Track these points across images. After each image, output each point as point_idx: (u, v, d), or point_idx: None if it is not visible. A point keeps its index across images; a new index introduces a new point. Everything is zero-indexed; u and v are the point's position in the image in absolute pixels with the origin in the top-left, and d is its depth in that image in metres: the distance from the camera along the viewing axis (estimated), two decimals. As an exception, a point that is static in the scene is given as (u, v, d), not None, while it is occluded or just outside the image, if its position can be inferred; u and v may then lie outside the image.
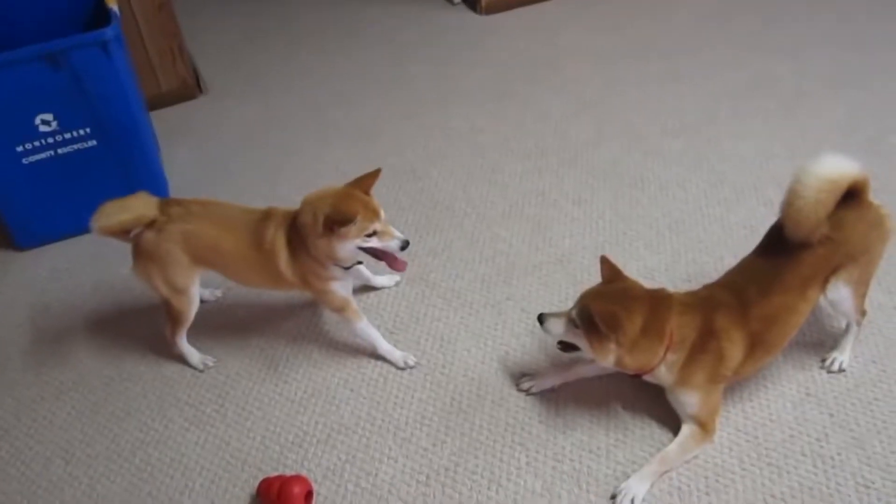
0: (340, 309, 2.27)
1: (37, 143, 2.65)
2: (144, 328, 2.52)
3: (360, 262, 2.29)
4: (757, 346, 2.03)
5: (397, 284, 2.62)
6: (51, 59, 2.49)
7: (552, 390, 2.26)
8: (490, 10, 3.97)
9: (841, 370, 2.23)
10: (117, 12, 2.68)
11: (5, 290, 2.75)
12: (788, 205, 1.93)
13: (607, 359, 1.99)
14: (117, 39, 2.59)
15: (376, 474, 2.10)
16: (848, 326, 2.22)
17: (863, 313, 2.18)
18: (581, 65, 3.59)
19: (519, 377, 2.29)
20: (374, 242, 2.10)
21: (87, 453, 2.21)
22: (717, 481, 2.01)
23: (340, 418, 2.24)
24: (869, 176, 1.99)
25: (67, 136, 2.67)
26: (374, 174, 2.13)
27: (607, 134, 3.20)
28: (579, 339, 2.02)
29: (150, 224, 2.17)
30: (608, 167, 3.03)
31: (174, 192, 2.95)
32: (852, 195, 1.99)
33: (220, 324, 2.54)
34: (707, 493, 1.99)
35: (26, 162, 2.67)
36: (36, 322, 2.61)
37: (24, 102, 2.56)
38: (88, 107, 2.63)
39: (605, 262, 2.06)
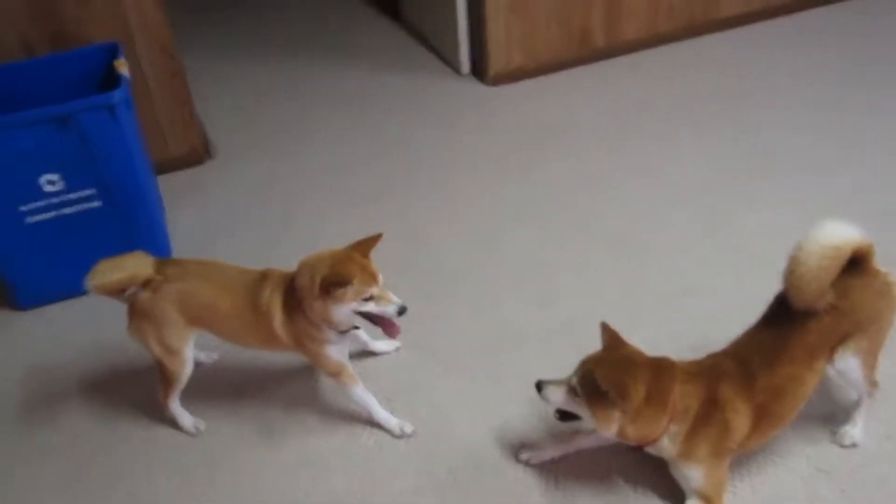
0: (336, 374, 2.22)
1: (41, 204, 2.66)
2: (140, 391, 2.47)
3: (357, 328, 2.25)
4: (763, 418, 1.95)
5: (396, 350, 2.57)
6: (59, 121, 2.53)
7: (552, 461, 2.18)
8: (498, 82, 4.01)
9: (853, 445, 2.15)
10: (128, 77, 2.72)
11: (2, 350, 2.71)
12: (791, 272, 1.89)
13: (610, 428, 1.92)
14: (125, 103, 2.63)
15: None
16: (859, 399, 2.15)
17: (874, 385, 2.11)
18: (587, 136, 3.60)
19: (518, 448, 2.21)
20: (370, 307, 2.07)
21: (71, 519, 2.15)
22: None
23: (332, 488, 2.16)
24: (873, 243, 1.95)
25: (72, 196, 2.68)
26: (375, 238, 2.11)
27: (612, 203, 3.18)
28: (580, 408, 1.95)
29: (146, 283, 2.16)
30: (613, 236, 3.00)
31: (177, 253, 2.93)
32: (857, 263, 1.95)
33: (214, 387, 2.49)
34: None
35: (30, 221, 2.68)
36: (30, 382, 2.57)
37: (30, 163, 2.58)
38: (94, 168, 2.65)
39: (605, 328, 2.01)
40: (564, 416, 2.03)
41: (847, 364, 2.00)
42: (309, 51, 4.57)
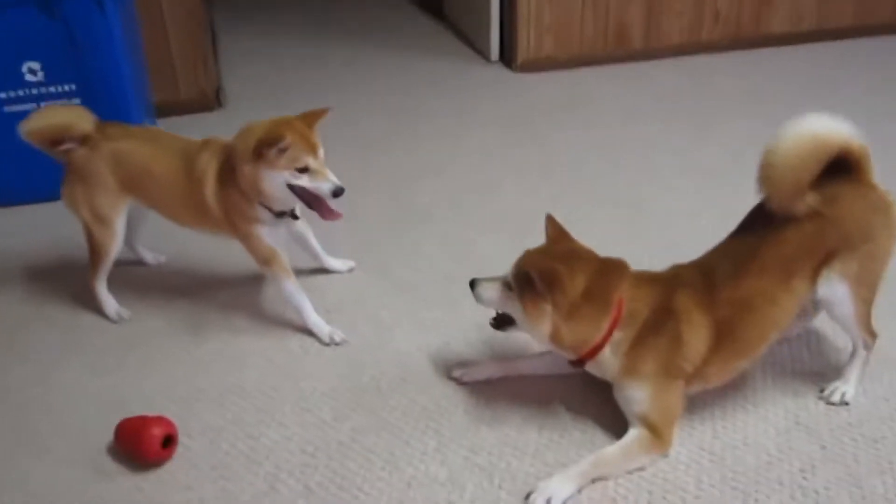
0: (266, 261, 2.04)
1: (21, 93, 2.61)
2: (79, 283, 2.32)
3: (295, 216, 2.07)
4: (724, 338, 1.67)
5: (350, 271, 2.37)
6: (44, 5, 2.49)
7: (487, 382, 1.92)
8: (525, 69, 3.88)
9: (843, 402, 1.82)
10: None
11: None
12: (765, 164, 1.63)
13: (541, 326, 1.67)
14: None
15: (258, 438, 1.79)
16: (853, 350, 1.83)
17: (871, 334, 1.80)
18: (605, 115, 3.42)
19: (454, 366, 1.96)
20: (304, 181, 1.89)
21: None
22: (663, 498, 1.61)
23: (241, 382, 1.96)
24: (867, 148, 1.68)
25: (52, 89, 2.62)
26: (322, 111, 1.97)
27: (617, 169, 2.96)
28: (513, 305, 1.71)
29: (84, 140, 2.05)
30: (611, 195, 2.78)
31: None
32: (850, 170, 1.68)
33: (153, 285, 2.34)
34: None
35: (7, 110, 2.63)
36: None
37: (12, 47, 2.55)
38: (76, 62, 2.59)
39: (550, 220, 1.77)
40: (500, 322, 1.80)
41: (833, 291, 1.70)
42: (348, 37, 4.55)
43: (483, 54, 4.09)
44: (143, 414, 1.75)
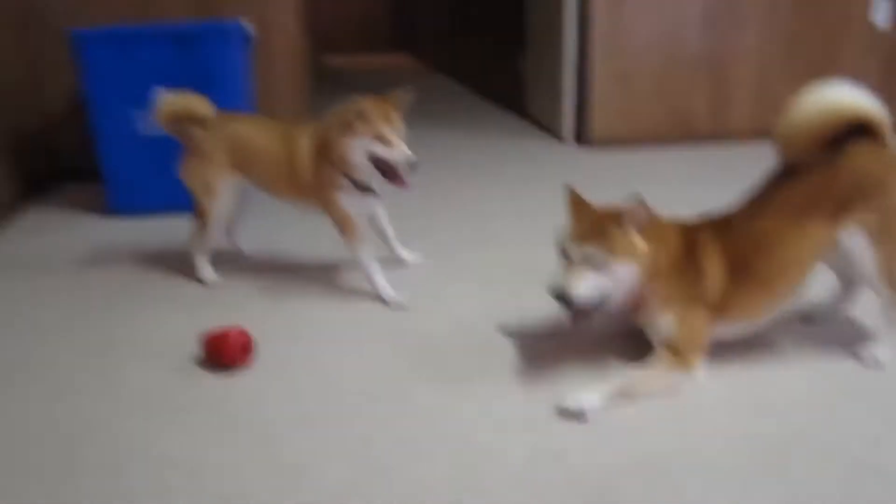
0: (344, 226, 2.31)
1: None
2: (180, 265, 2.63)
3: (375, 193, 2.35)
4: (741, 272, 1.82)
5: (419, 264, 2.61)
6: (181, 39, 2.99)
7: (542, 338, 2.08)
8: (597, 147, 4.19)
9: (878, 365, 1.89)
10: (247, 27, 3.18)
11: (86, 249, 2.95)
12: (783, 120, 1.84)
13: (636, 258, 1.75)
14: (239, 39, 3.07)
15: (324, 360, 1.99)
16: (886, 315, 1.91)
17: (901, 296, 1.89)
18: (660, 184, 3.60)
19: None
20: (379, 149, 2.18)
21: (84, 322, 2.29)
22: (693, 412, 1.72)
23: (313, 324, 2.19)
24: (886, 117, 1.85)
25: (179, 115, 3.07)
26: (406, 94, 2.25)
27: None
28: (600, 261, 1.73)
29: (203, 124, 2.42)
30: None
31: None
32: (868, 133, 1.84)
33: (246, 268, 2.64)
34: (676, 420, 1.69)
35: (140, 132, 3.08)
36: (98, 256, 2.81)
37: (153, 75, 3.01)
38: (202, 90, 3.02)
39: (572, 194, 1.88)
40: (578, 316, 1.81)
41: (853, 242, 1.83)
42: (449, 128, 5.02)
43: (558, 136, 4.44)
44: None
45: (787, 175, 1.87)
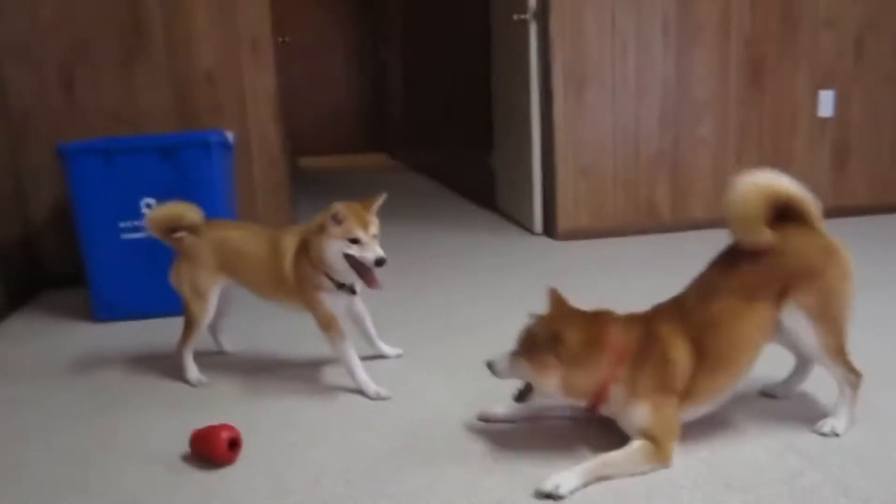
0: (327, 323, 2.41)
1: (137, 223, 3.18)
2: (167, 369, 2.71)
3: (353, 291, 2.46)
4: (704, 355, 1.93)
5: (399, 356, 2.71)
6: (165, 151, 3.15)
7: (511, 421, 2.18)
8: (565, 238, 4.36)
9: (834, 434, 2.00)
10: (227, 136, 3.35)
11: (72, 354, 3.02)
12: (726, 203, 2.00)
13: (551, 380, 1.95)
14: (220, 148, 3.23)
15: (308, 451, 2.07)
16: (840, 390, 2.04)
17: (853, 372, 2.01)
18: (620, 275, 3.78)
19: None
20: (354, 250, 2.31)
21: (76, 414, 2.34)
22: (661, 490, 1.80)
23: (296, 419, 2.27)
24: (813, 201, 2.01)
25: (162, 221, 3.20)
26: (378, 197, 2.40)
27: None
28: (523, 369, 1.99)
29: (193, 229, 2.55)
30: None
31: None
32: (800, 218, 2.00)
33: (230, 366, 2.71)
34: (647, 499, 1.77)
35: (124, 238, 3.20)
36: (86, 364, 2.87)
37: (136, 184, 3.17)
38: (184, 197, 3.17)
39: (552, 293, 2.06)
40: (521, 394, 2.06)
41: (796, 322, 1.97)
42: (418, 221, 5.19)
43: (528, 229, 4.62)
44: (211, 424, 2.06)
45: (733, 257, 2.02)
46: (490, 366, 2.06)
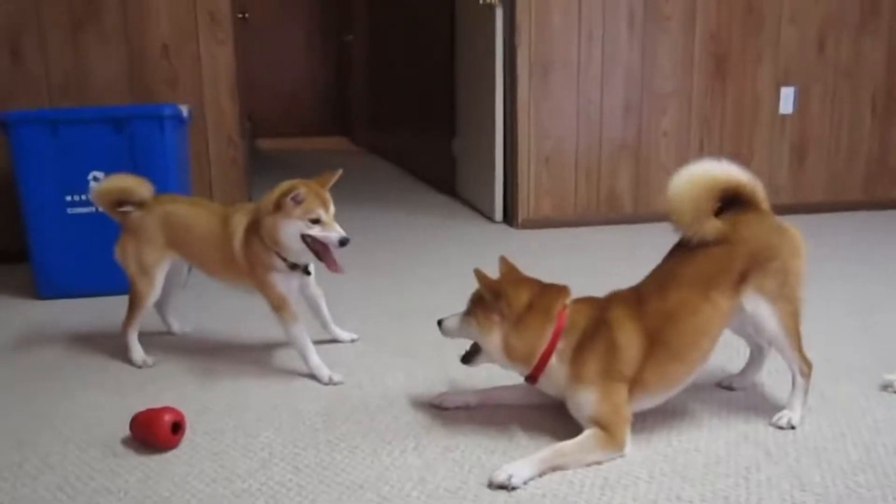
0: (278, 305, 2.33)
1: (84, 197, 3.06)
2: (112, 349, 2.61)
3: (307, 272, 2.39)
4: (655, 345, 1.90)
5: (353, 342, 2.64)
6: (116, 122, 3.02)
7: (466, 408, 2.12)
8: (525, 227, 4.33)
9: (791, 427, 1.99)
10: (182, 109, 3.23)
11: (13, 332, 2.89)
12: (668, 196, 1.99)
13: (493, 337, 1.94)
14: (174, 122, 3.12)
15: (256, 436, 1.99)
16: (794, 380, 2.03)
17: (805, 362, 2.00)
18: (594, 262, 3.77)
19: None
20: (315, 231, 2.23)
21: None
22: (617, 481, 1.76)
23: (246, 401, 2.19)
24: (758, 185, 2.00)
25: (111, 196, 3.08)
26: (334, 174, 2.33)
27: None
28: (470, 328, 1.99)
29: (141, 204, 2.45)
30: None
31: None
32: (747, 203, 1.99)
33: (177, 346, 2.62)
34: (602, 490, 1.73)
35: (70, 212, 3.07)
36: (28, 341, 2.76)
37: (84, 157, 3.04)
38: (133, 171, 3.05)
39: (503, 261, 2.07)
40: (467, 355, 2.06)
41: (756, 307, 1.95)
42: (378, 205, 5.11)
43: (488, 216, 4.58)
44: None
45: (691, 247, 2.00)
46: (440, 323, 2.05)
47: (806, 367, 2.01)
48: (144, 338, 2.53)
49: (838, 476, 1.76)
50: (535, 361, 1.92)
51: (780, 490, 1.71)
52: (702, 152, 4.47)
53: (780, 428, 1.99)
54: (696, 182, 1.95)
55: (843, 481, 1.74)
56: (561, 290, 1.98)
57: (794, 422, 1.99)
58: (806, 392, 2.02)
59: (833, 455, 1.86)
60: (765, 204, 2.01)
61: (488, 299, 1.94)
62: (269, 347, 2.59)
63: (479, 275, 1.97)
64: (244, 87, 4.19)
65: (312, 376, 2.33)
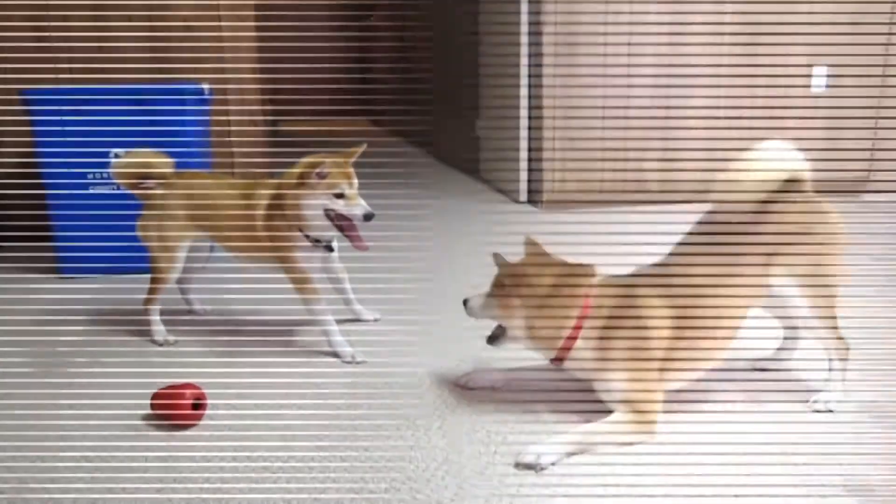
0: (301, 283, 2.29)
1: (105, 175, 3.04)
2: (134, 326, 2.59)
3: (330, 249, 2.35)
4: (685, 321, 1.84)
5: (376, 321, 2.60)
6: (137, 101, 2.99)
7: (492, 388, 2.08)
8: (550, 208, 4.26)
9: (828, 409, 1.92)
10: (204, 88, 3.20)
11: (35, 310, 2.88)
12: (725, 175, 1.92)
13: (516, 321, 1.89)
14: (195, 100, 3.08)
15: (279, 414, 1.95)
16: (830, 362, 1.96)
17: (842, 343, 1.94)
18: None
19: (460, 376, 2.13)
20: (339, 205, 2.19)
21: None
22: (648, 463, 1.71)
23: (268, 379, 2.16)
24: (806, 169, 1.93)
25: (132, 174, 3.05)
26: (358, 149, 2.29)
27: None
28: (493, 309, 1.94)
29: (163, 182, 2.41)
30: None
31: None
32: (792, 184, 1.92)
33: (198, 326, 2.60)
34: (632, 472, 1.68)
35: (92, 191, 3.05)
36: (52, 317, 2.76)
37: (106, 135, 3.01)
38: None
39: (529, 241, 2.01)
40: (493, 337, 2.01)
41: (785, 285, 1.89)
42: (402, 189, 5.03)
43: (513, 197, 4.51)
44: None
45: (714, 224, 1.93)
46: (465, 303, 2.01)
47: (842, 348, 1.94)
48: (166, 316, 2.51)
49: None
50: (561, 343, 1.87)
51: (816, 469, 1.66)
52: (732, 132, 4.37)
53: (818, 411, 1.93)
54: (766, 167, 1.89)
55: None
56: (586, 270, 1.92)
57: (831, 405, 1.93)
58: (843, 374, 1.95)
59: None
60: (809, 188, 1.94)
61: (507, 283, 1.89)
62: (291, 325, 2.56)
63: (498, 259, 1.92)
64: (267, 68, 4.14)
65: (335, 354, 2.29)
